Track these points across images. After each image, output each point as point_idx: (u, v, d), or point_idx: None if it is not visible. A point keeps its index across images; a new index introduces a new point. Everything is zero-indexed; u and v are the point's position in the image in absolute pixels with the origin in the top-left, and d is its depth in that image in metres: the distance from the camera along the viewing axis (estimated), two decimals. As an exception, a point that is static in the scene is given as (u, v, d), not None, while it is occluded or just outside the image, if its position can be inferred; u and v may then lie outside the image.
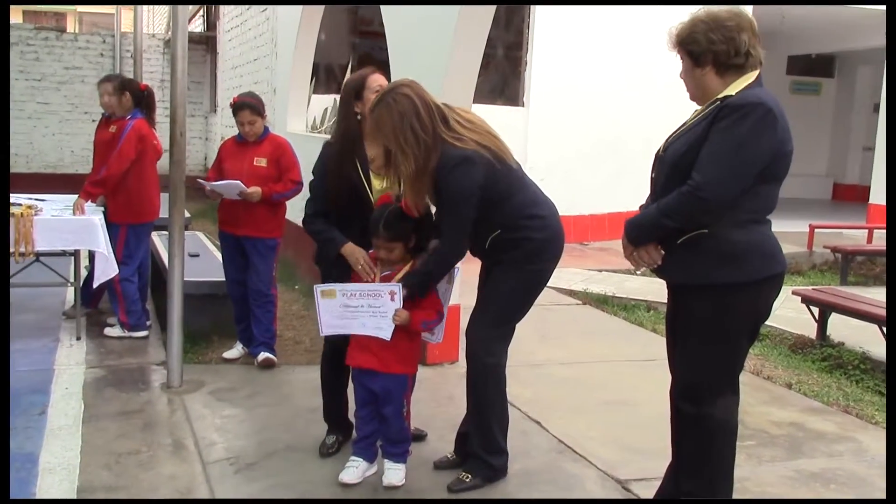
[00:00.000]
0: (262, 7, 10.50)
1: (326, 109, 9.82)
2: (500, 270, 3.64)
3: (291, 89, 8.76)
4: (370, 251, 3.70)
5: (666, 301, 3.24)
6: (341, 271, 3.78)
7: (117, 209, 5.93)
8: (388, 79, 3.99)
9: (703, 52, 2.93)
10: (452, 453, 3.93)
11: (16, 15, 33.92)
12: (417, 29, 5.57)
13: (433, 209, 3.67)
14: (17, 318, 6.36)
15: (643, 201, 3.20)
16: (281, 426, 4.43)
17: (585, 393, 5.09)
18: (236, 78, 12.55)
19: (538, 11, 10.87)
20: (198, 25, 17.76)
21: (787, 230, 9.92)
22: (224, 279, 5.65)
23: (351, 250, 3.74)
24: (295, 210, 6.18)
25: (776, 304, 3.13)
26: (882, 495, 3.83)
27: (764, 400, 5.11)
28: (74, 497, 3.58)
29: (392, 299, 3.52)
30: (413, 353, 3.75)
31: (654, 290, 7.99)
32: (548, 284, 3.77)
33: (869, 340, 6.11)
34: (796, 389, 5.37)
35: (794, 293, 6.71)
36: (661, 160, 3.08)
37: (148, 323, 6.16)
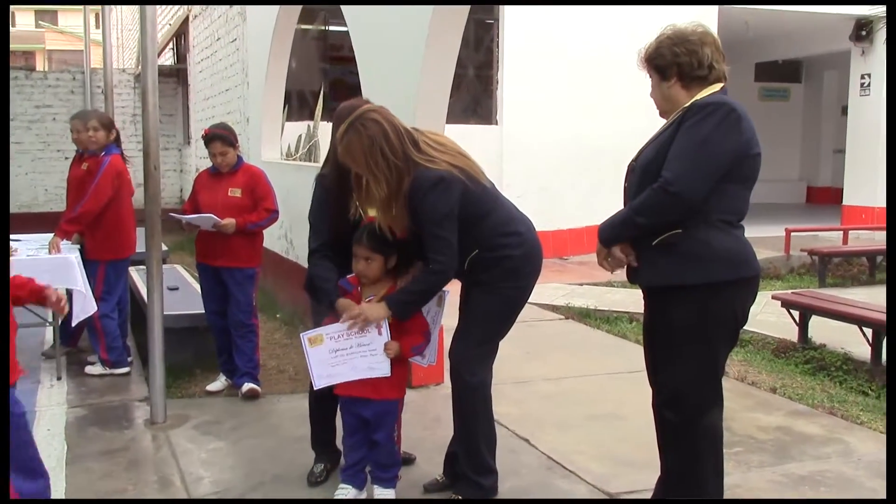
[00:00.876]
0: (232, 37, 10.51)
1: (300, 136, 9.82)
2: (480, 290, 3.64)
3: (264, 118, 8.75)
4: (350, 276, 3.68)
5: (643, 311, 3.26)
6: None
7: (96, 245, 5.87)
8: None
9: (668, 65, 3.02)
10: (441, 475, 3.91)
11: (-16, 55, 33.78)
12: (387, 51, 5.60)
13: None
14: (-4, 360, 6.27)
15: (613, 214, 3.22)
16: (268, 457, 4.39)
17: (572, 408, 5.09)
18: (209, 109, 12.53)
19: (507, 30, 10.95)
20: (168, 58, 17.74)
21: (764, 235, 10.01)
22: (204, 311, 5.62)
23: (344, 304, 3.64)
24: (272, 238, 6.17)
25: (755, 309, 3.15)
26: (871, 495, 3.85)
27: (749, 406, 5.13)
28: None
29: (379, 333, 3.50)
30: (403, 377, 3.74)
31: (636, 301, 7.98)
32: (529, 300, 3.77)
33: (850, 341, 6.15)
34: (781, 393, 5.40)
35: (773, 297, 6.76)
36: (632, 170, 3.14)
37: (129, 359, 6.10)
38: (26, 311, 6.10)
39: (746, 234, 3.07)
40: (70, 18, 42.56)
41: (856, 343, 6.07)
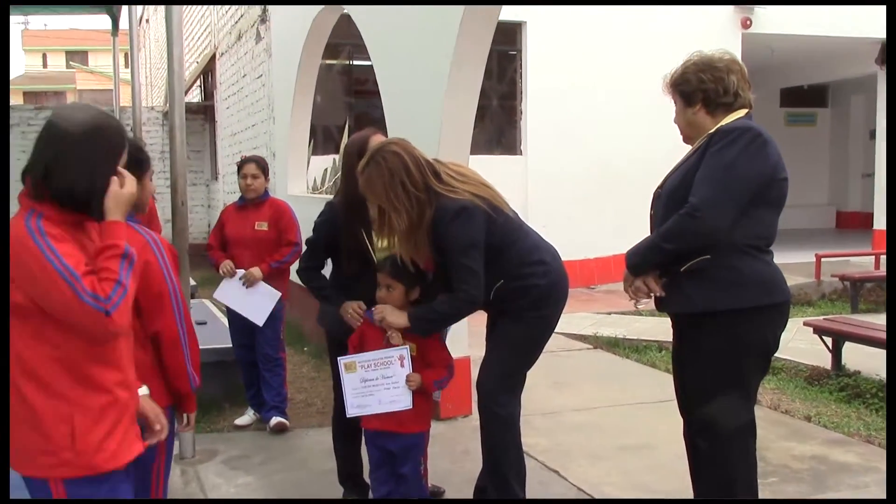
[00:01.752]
0: (258, 73, 10.65)
1: (326, 170, 9.89)
2: (506, 320, 3.62)
3: (290, 152, 8.83)
4: (372, 308, 3.68)
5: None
6: (346, 329, 3.77)
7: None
8: (386, 136, 4.01)
9: (694, 90, 3.02)
10: None
11: (16, 96, 34.47)
12: (410, 83, 5.64)
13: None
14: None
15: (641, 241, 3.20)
16: (297, 491, 4.37)
17: (602, 438, 5.02)
18: (235, 145, 12.68)
19: (530, 60, 11.01)
20: (195, 95, 18.00)
21: (794, 261, 9.89)
22: (231, 345, 5.63)
23: (344, 307, 3.76)
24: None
25: (787, 336, 3.10)
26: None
27: (784, 434, 5.04)
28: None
29: (402, 365, 3.48)
30: (427, 410, 3.71)
31: (665, 329, 7.90)
32: (557, 330, 3.75)
33: (885, 367, 6.03)
34: (816, 422, 5.30)
35: (805, 324, 6.66)
36: (658, 196, 3.12)
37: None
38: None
39: (776, 260, 3.04)
40: (100, 58, 43.45)
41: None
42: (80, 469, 2.22)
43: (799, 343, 6.85)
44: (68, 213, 2.25)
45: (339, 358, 3.62)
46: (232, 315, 5.55)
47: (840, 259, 11.15)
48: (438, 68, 5.14)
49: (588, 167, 11.01)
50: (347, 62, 11.25)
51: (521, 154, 11.23)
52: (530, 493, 3.75)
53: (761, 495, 3.14)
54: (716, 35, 10.54)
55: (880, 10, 11.66)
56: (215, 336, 6.27)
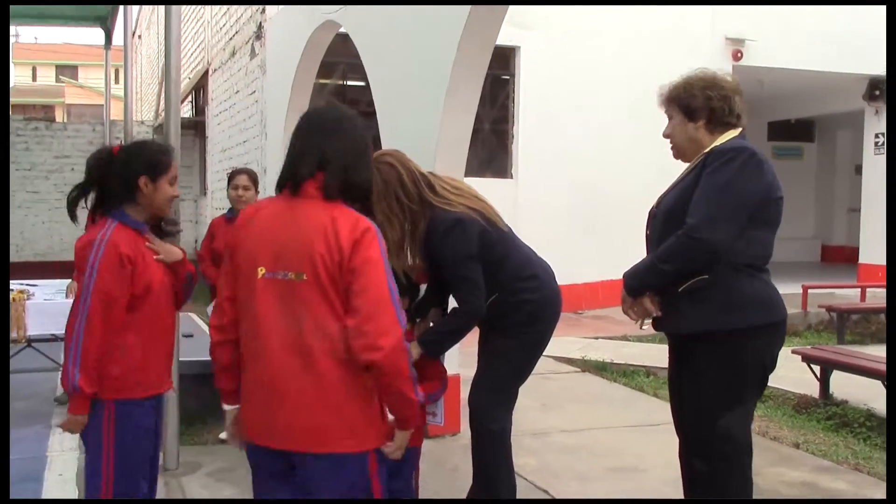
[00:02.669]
0: (251, 90, 10.66)
1: (317, 187, 9.87)
2: (498, 335, 3.61)
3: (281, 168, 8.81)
4: None
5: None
6: None
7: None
8: None
9: (701, 107, 3.01)
10: None
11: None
12: (406, 103, 5.64)
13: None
14: (10, 405, 6.24)
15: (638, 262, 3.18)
16: None
17: (591, 460, 4.99)
18: (226, 160, 12.65)
19: (522, 85, 11.07)
20: (186, 111, 17.97)
21: (781, 292, 9.91)
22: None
23: None
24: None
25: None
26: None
27: (773, 460, 5.02)
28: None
29: None
30: (419, 427, 3.67)
31: (653, 355, 7.94)
32: (545, 353, 3.74)
33: (872, 397, 6.05)
34: (804, 449, 5.29)
35: (793, 352, 6.66)
36: (654, 216, 3.12)
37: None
38: (39, 354, 6.11)
39: None
40: (90, 73, 43.39)
41: (879, 399, 5.95)
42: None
43: (787, 371, 6.81)
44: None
45: None
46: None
47: (826, 291, 11.21)
48: (435, 89, 5.15)
49: (578, 192, 11.05)
50: (341, 82, 11.26)
51: (511, 178, 11.27)
52: None
53: (754, 519, 3.11)
54: (707, 66, 10.61)
55: (869, 46, 11.83)
56: (200, 349, 6.18)
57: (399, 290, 3.47)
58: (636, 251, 3.20)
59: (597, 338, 9.01)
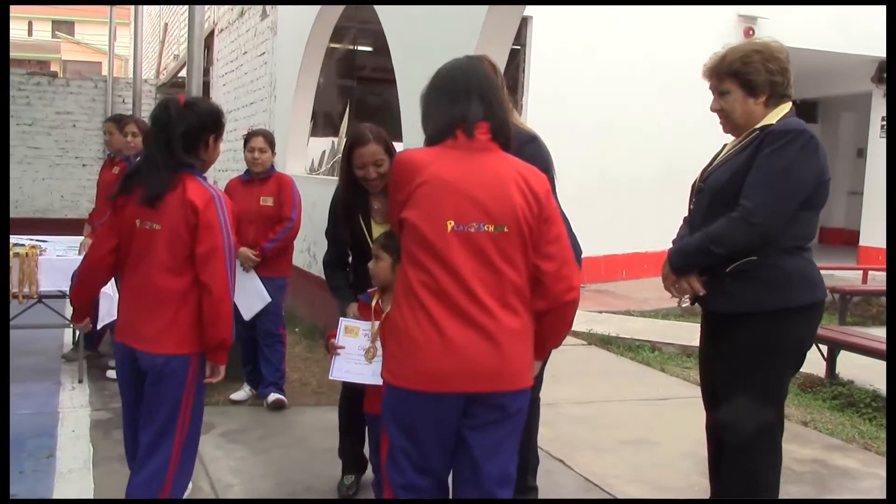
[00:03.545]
0: (261, 51, 10.55)
1: (324, 152, 9.84)
2: None
3: (291, 131, 8.76)
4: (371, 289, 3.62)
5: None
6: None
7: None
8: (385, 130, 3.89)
9: (763, 82, 2.94)
10: None
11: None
12: (428, 72, 5.58)
13: None
14: (16, 361, 6.22)
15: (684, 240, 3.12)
16: (297, 467, 4.33)
17: (604, 431, 5.02)
18: (231, 122, 12.52)
19: (534, 56, 10.99)
20: (202, 68, 17.79)
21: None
22: (231, 319, 5.57)
23: (351, 309, 3.69)
24: (294, 252, 6.10)
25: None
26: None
27: (783, 437, 5.05)
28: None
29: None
30: None
31: (658, 330, 7.98)
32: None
33: (878, 378, 6.09)
34: (812, 427, 5.34)
35: (800, 332, 6.69)
36: (699, 191, 3.07)
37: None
38: (49, 311, 6.09)
39: None
40: (87, 30, 42.86)
41: (884, 380, 5.99)
42: None
43: (792, 350, 6.88)
44: None
45: (341, 318, 3.56)
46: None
47: (826, 272, 11.21)
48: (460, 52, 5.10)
49: (585, 166, 10.99)
50: (351, 47, 11.17)
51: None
52: (538, 481, 3.74)
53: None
54: (718, 43, 10.55)
55: (880, 29, 11.75)
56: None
57: (396, 252, 3.35)
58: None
59: (601, 311, 9.02)
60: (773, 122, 2.91)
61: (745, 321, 2.92)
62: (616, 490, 4.08)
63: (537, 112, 10.99)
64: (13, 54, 40.37)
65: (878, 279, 11.57)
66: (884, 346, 6.04)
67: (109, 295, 5.55)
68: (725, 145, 3.15)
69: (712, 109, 3.09)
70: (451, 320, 2.45)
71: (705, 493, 3.24)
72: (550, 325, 2.62)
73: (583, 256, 3.46)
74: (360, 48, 11.13)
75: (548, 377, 6.00)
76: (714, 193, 2.97)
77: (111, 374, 5.90)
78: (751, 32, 11.83)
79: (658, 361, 6.91)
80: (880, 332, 7.80)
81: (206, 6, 14.64)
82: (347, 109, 10.30)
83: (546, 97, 10.93)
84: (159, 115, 3.09)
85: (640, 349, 7.36)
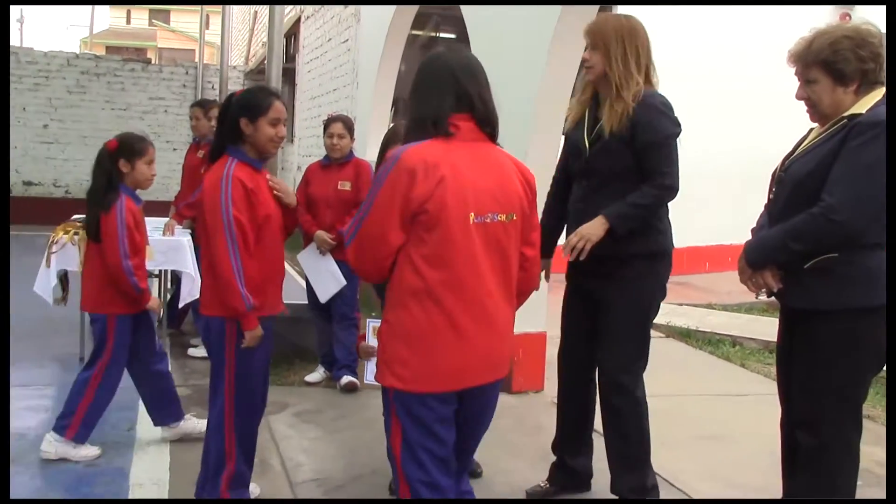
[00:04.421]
0: (344, 38, 10.66)
1: (404, 139, 9.87)
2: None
3: (372, 118, 8.83)
4: None
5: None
6: None
7: (207, 231, 5.98)
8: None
9: (854, 70, 2.76)
10: (546, 482, 3.82)
11: (99, 50, 35.24)
12: (507, 55, 5.55)
13: None
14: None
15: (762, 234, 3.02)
16: (366, 450, 4.37)
17: (678, 426, 4.91)
18: (315, 108, 12.73)
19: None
20: (281, 56, 18.12)
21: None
22: (307, 302, 5.65)
23: None
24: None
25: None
26: None
27: (865, 439, 4.80)
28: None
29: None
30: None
31: (739, 324, 7.78)
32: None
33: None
34: (899, 430, 5.11)
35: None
36: (780, 181, 2.95)
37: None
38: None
39: None
40: (181, 17, 44.08)
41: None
42: None
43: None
44: None
45: (368, 320, 3.22)
46: (313, 272, 5.58)
47: None
48: (538, 43, 5.06)
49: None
50: (434, 34, 11.18)
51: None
52: (607, 475, 3.68)
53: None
54: (813, 24, 10.19)
55: None
56: (288, 292, 6.27)
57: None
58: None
59: (680, 304, 8.83)
60: (863, 111, 2.74)
61: (824, 318, 2.80)
62: (688, 487, 3.99)
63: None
64: (111, 41, 41.85)
65: None
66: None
67: (191, 275, 5.70)
68: (811, 130, 3.01)
69: (798, 98, 2.94)
70: (467, 315, 2.45)
71: (781, 493, 3.14)
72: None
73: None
74: (442, 35, 11.13)
75: (622, 369, 5.95)
76: (796, 184, 2.84)
77: (192, 351, 6.07)
78: (847, 19, 11.39)
79: (738, 357, 6.73)
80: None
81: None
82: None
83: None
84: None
85: (721, 343, 7.18)
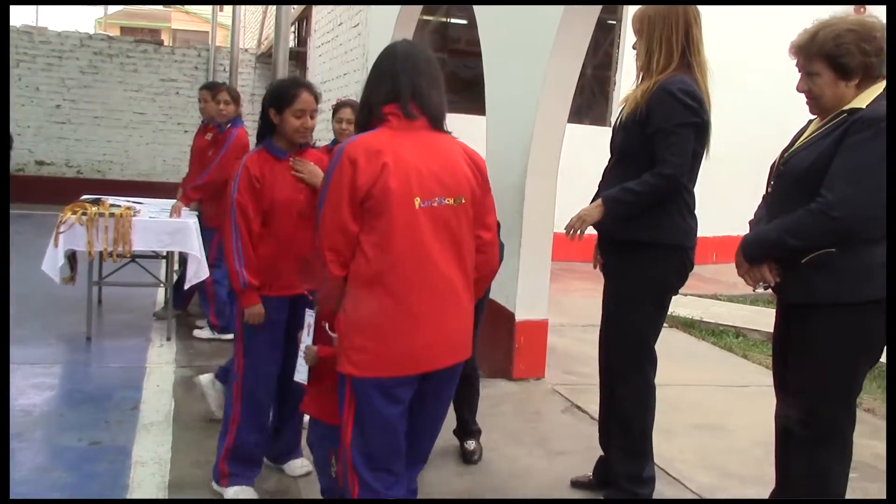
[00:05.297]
0: (354, 23, 10.65)
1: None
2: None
3: (382, 102, 8.83)
4: None
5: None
6: None
7: (214, 214, 6.02)
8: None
9: (858, 65, 2.73)
10: (591, 475, 3.83)
11: (113, 30, 35.27)
12: (514, 42, 5.55)
13: None
14: (113, 316, 6.57)
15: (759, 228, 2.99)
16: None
17: (677, 415, 4.94)
18: (325, 92, 12.73)
19: (629, 31, 10.76)
20: (289, 42, 18.12)
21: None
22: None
23: None
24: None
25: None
26: None
27: (864, 432, 4.85)
28: (165, 494, 3.61)
29: (308, 333, 2.92)
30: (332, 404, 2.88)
31: (743, 315, 7.79)
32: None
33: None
34: (898, 423, 5.13)
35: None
36: (779, 174, 2.93)
37: (237, 326, 6.24)
38: (142, 270, 6.35)
39: None
40: None
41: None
42: None
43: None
44: None
45: (307, 310, 2.97)
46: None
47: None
48: (545, 32, 5.05)
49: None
50: (444, 19, 11.16)
51: (609, 126, 11.04)
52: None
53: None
54: (827, 13, 10.13)
55: None
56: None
57: None
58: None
59: (685, 294, 8.84)
60: (863, 105, 2.71)
61: (821, 312, 2.79)
62: (682, 475, 4.02)
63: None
64: (125, 22, 41.87)
65: None
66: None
67: (197, 257, 5.74)
68: (810, 123, 3.00)
69: (799, 90, 2.91)
70: (417, 299, 2.50)
71: (773, 483, 3.16)
72: (478, 291, 2.74)
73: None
74: (452, 20, 11.10)
75: (624, 358, 5.97)
76: (795, 178, 2.83)
77: (198, 332, 6.13)
78: (862, 10, 11.31)
79: (741, 347, 6.74)
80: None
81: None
82: (439, 81, 10.30)
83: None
84: None
85: (724, 334, 7.20)
